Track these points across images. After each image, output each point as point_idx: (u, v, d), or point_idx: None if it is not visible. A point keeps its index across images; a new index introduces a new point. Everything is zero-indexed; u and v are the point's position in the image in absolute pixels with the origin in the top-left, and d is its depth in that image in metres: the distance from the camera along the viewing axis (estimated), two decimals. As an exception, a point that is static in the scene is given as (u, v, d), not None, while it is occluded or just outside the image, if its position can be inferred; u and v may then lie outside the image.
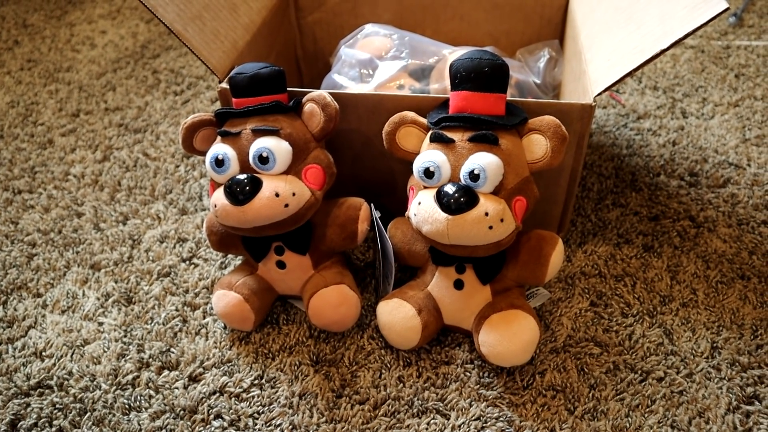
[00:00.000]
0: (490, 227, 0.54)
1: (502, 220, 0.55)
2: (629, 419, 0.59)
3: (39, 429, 0.61)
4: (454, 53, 0.80)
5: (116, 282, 0.76)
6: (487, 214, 0.54)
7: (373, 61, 0.80)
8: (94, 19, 1.34)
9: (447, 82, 0.77)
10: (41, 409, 0.63)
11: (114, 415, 0.62)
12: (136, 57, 1.20)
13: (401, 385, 0.63)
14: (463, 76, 0.57)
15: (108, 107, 1.06)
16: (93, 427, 0.61)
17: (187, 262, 0.77)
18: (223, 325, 0.69)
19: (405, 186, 0.64)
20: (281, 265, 0.66)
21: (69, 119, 1.04)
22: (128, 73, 1.15)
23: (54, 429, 0.61)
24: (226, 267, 0.76)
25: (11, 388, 0.65)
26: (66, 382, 0.65)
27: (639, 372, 0.63)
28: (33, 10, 1.39)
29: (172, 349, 0.67)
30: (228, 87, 0.65)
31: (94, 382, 0.65)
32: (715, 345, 0.65)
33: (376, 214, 0.65)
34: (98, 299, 0.74)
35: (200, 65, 1.16)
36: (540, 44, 0.87)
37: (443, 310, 0.64)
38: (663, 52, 0.57)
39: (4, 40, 1.28)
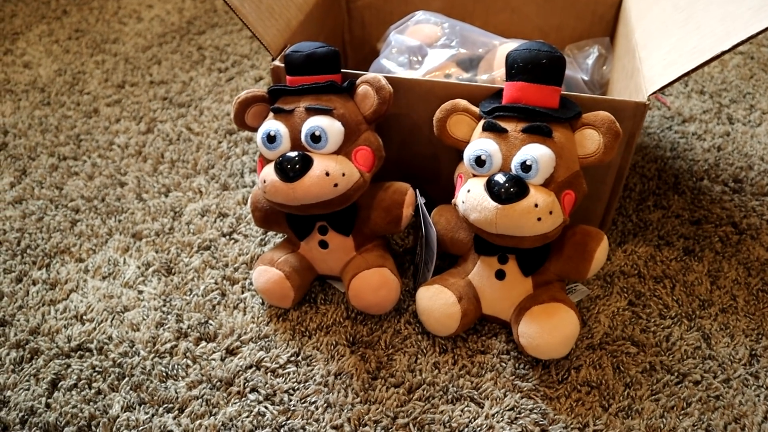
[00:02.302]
0: (539, 219, 0.54)
1: (550, 213, 0.55)
2: (664, 420, 0.59)
3: (79, 390, 0.63)
4: (504, 45, 0.80)
5: (157, 252, 0.77)
6: (536, 205, 0.54)
7: (423, 49, 0.79)
8: (141, -7, 1.35)
9: (495, 73, 0.77)
10: (81, 370, 0.64)
11: (152, 382, 0.63)
12: (182, 32, 1.21)
13: (436, 371, 0.63)
14: (520, 67, 0.57)
15: (153, 80, 1.07)
16: (131, 391, 0.62)
17: (227, 237, 0.78)
18: (261, 300, 0.70)
19: (449, 174, 0.64)
20: (324, 244, 0.66)
21: (114, 90, 1.05)
22: (173, 48, 1.16)
23: (93, 391, 0.63)
24: (265, 244, 0.77)
25: (53, 349, 0.66)
26: (105, 347, 0.66)
27: (675, 374, 0.63)
28: (82, -19, 1.40)
29: (210, 321, 0.68)
30: (281, 65, 0.66)
31: (133, 348, 0.66)
32: (753, 352, 0.65)
33: (421, 200, 0.66)
34: (138, 268, 0.75)
35: (245, 44, 1.17)
36: (590, 41, 0.87)
37: (483, 299, 0.64)
38: (724, 53, 0.56)
39: (53, 9, 1.30)
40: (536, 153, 0.55)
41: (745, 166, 0.87)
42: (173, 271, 0.74)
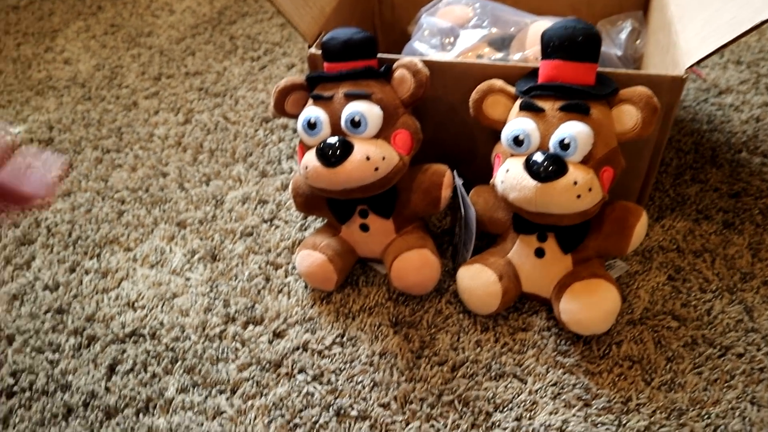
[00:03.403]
0: (579, 196, 0.55)
1: (590, 190, 0.55)
2: (707, 393, 0.60)
3: (135, 374, 0.66)
4: (535, 23, 0.80)
5: (201, 239, 0.79)
6: (576, 183, 0.55)
7: (455, 30, 0.80)
8: (172, -14, 1.37)
9: (528, 52, 0.77)
10: (136, 355, 0.67)
11: (203, 365, 0.66)
12: (214, 23, 1.23)
13: (479, 348, 0.64)
14: (555, 45, 0.57)
15: (188, 71, 1.09)
16: (184, 374, 0.65)
17: (269, 223, 0.80)
18: (304, 284, 0.72)
19: (486, 155, 0.65)
20: (364, 227, 0.68)
21: (152, 82, 1.08)
22: (206, 39, 1.18)
23: (148, 374, 0.65)
24: (306, 229, 0.78)
25: (108, 335, 0.69)
26: (158, 332, 0.69)
27: (718, 347, 0.63)
28: (114, -24, 1.43)
29: (256, 305, 0.70)
30: (318, 52, 0.67)
31: (184, 333, 0.69)
32: (797, 324, 0.65)
33: (459, 181, 0.66)
34: (185, 255, 0.77)
35: (276, 32, 1.18)
36: (622, 15, 0.86)
37: (522, 277, 0.65)
38: (763, 23, 0.56)
39: (89, 6, 1.33)
40: (574, 131, 0.55)
41: (785, 137, 0.86)
42: (218, 257, 0.77)
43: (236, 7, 1.27)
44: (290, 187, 0.71)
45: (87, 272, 0.76)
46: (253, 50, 1.13)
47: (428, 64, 0.65)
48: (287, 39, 1.16)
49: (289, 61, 1.10)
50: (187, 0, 1.32)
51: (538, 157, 0.55)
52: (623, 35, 0.83)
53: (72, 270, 0.77)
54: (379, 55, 0.65)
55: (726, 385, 0.60)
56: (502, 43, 0.81)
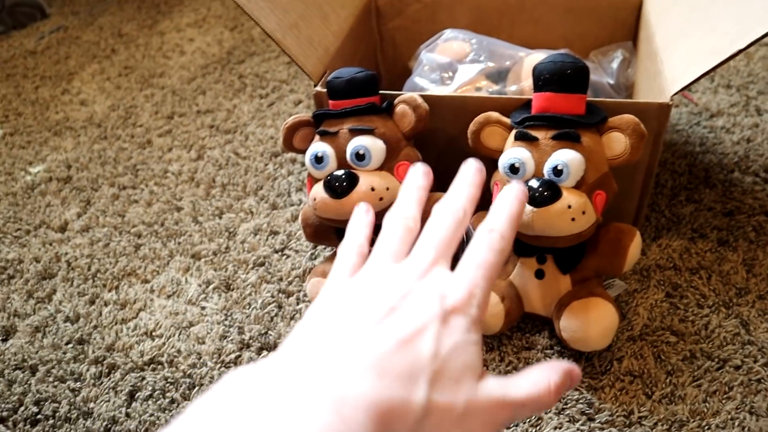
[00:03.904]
0: (573, 219, 0.58)
1: (583, 213, 0.59)
2: (707, 404, 0.62)
3: (154, 400, 0.68)
4: (529, 56, 0.84)
5: (215, 270, 0.82)
6: (570, 206, 0.58)
7: (453, 65, 0.84)
8: (183, 28, 1.43)
9: (524, 84, 0.80)
10: (155, 382, 0.70)
11: (220, 390, 0.68)
12: (223, 63, 1.28)
13: (485, 368, 0.67)
14: (546, 78, 0.61)
15: (200, 110, 1.14)
16: (202, 399, 0.68)
17: (280, 253, 0.83)
18: (315, 310, 0.75)
19: (487, 183, 0.68)
20: (371, 254, 0.71)
21: (165, 121, 1.12)
22: (216, 78, 1.23)
23: (167, 400, 0.68)
24: (315, 258, 0.82)
25: (128, 363, 0.72)
26: (175, 359, 0.72)
27: (716, 360, 0.65)
28: (126, 20, 1.49)
29: (269, 332, 0.73)
30: (324, 90, 0.71)
31: (201, 360, 0.72)
32: (792, 337, 0.67)
33: (460, 208, 0.70)
34: (200, 286, 0.81)
35: (282, 70, 1.23)
36: (613, 45, 0.90)
37: (524, 298, 0.68)
38: (740, 52, 0.59)
39: (103, 49, 1.39)
40: (566, 158, 0.58)
41: (775, 157, 0.89)
42: (232, 287, 0.80)
43: (244, 47, 1.33)
44: (300, 218, 0.74)
45: (106, 304, 0.80)
46: (262, 88, 1.18)
47: (428, 98, 0.68)
48: (294, 76, 1.21)
49: (296, 97, 1.15)
50: (197, 41, 1.38)
51: (534, 183, 0.58)
52: (614, 65, 0.87)
53: (92, 302, 0.80)
54: (381, 91, 0.69)
55: (725, 396, 0.62)
56: (498, 76, 0.85)
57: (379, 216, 0.65)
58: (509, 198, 0.41)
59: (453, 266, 0.38)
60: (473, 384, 0.34)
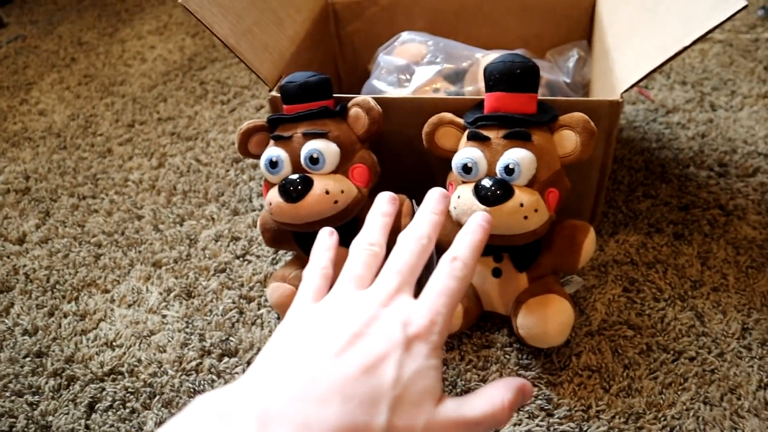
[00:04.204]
0: (525, 217, 0.59)
1: (536, 211, 0.59)
2: (663, 396, 0.63)
3: (114, 410, 0.68)
4: (486, 57, 0.85)
5: (176, 278, 0.82)
6: (522, 204, 0.58)
7: (410, 67, 0.84)
8: (144, 35, 1.42)
9: (481, 85, 0.81)
10: (115, 392, 0.69)
11: (181, 398, 0.68)
12: (184, 69, 1.27)
13: (445, 367, 0.67)
14: (496, 78, 0.61)
15: (161, 117, 1.13)
16: (162, 408, 0.67)
17: (241, 259, 0.83)
18: (276, 315, 0.75)
19: (443, 183, 0.69)
20: (330, 258, 0.71)
21: (125, 129, 1.11)
22: (177, 85, 1.22)
23: (127, 410, 0.67)
24: (277, 263, 0.82)
25: (87, 374, 0.71)
26: (136, 369, 0.71)
27: (671, 352, 0.66)
28: (87, 29, 1.47)
29: (231, 338, 0.73)
30: (278, 95, 0.71)
31: (161, 369, 0.71)
32: (745, 326, 0.68)
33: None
34: (161, 294, 0.80)
35: (244, 75, 1.22)
36: (569, 45, 0.91)
37: (482, 296, 0.68)
38: (685, 49, 0.61)
39: (62, 58, 1.37)
40: (518, 156, 0.59)
41: (729, 150, 0.90)
42: (193, 294, 0.79)
43: (206, 53, 1.32)
44: (258, 223, 0.74)
45: (65, 315, 0.79)
46: (223, 94, 1.18)
47: (382, 101, 0.69)
48: (255, 82, 1.20)
49: (258, 103, 1.14)
50: (158, 48, 1.36)
51: (486, 182, 0.59)
52: (570, 64, 0.88)
53: (51, 314, 0.79)
54: (335, 95, 0.69)
55: (680, 387, 0.63)
56: (456, 77, 0.85)
57: (333, 220, 0.66)
58: (473, 226, 0.43)
59: (418, 291, 0.39)
60: (432, 407, 0.36)
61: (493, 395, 0.39)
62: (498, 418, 0.38)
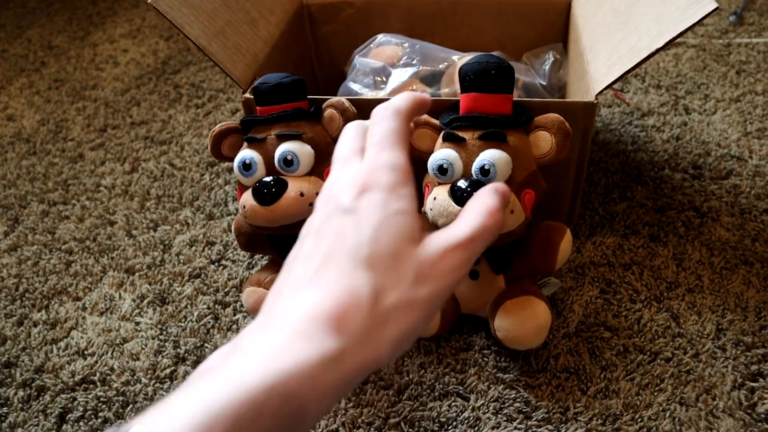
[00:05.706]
0: (502, 218, 0.58)
1: (512, 212, 0.59)
2: (639, 397, 0.63)
3: (86, 420, 0.66)
4: (462, 59, 0.85)
5: (150, 284, 0.80)
6: (498, 206, 0.58)
7: (386, 69, 0.84)
8: (116, 39, 1.40)
9: (457, 86, 0.81)
10: (87, 402, 0.67)
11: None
12: (158, 73, 1.25)
13: (423, 371, 0.67)
14: (471, 79, 0.61)
15: (134, 121, 1.11)
16: (135, 417, 0.65)
17: (216, 264, 0.82)
18: (252, 320, 0.74)
19: (419, 184, 0.68)
20: (306, 262, 0.70)
21: (97, 134, 1.09)
22: (151, 89, 1.20)
23: (99, 420, 0.66)
24: (252, 267, 0.80)
25: (58, 384, 0.69)
26: (108, 377, 0.70)
27: (648, 353, 0.66)
28: (57, 32, 1.45)
29: (206, 345, 0.72)
30: (252, 97, 0.70)
31: (135, 377, 0.69)
32: (720, 327, 0.69)
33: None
34: (134, 301, 0.78)
35: (219, 78, 1.21)
36: (545, 47, 0.91)
37: (460, 299, 0.68)
38: (658, 51, 0.61)
39: (32, 62, 1.35)
40: (493, 157, 0.59)
41: (702, 153, 0.91)
42: (167, 300, 0.78)
43: (180, 56, 1.30)
44: (233, 227, 0.73)
45: (35, 324, 0.77)
46: (198, 97, 1.16)
47: (357, 102, 0.68)
48: (231, 85, 1.19)
49: (233, 106, 1.13)
50: (131, 52, 1.35)
51: (462, 183, 0.59)
52: (546, 66, 0.89)
53: (20, 323, 0.77)
54: (310, 96, 0.69)
55: (656, 388, 0.64)
56: (432, 79, 0.85)
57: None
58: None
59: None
60: (413, 250, 0.34)
61: (476, 207, 0.38)
62: (490, 225, 0.37)
